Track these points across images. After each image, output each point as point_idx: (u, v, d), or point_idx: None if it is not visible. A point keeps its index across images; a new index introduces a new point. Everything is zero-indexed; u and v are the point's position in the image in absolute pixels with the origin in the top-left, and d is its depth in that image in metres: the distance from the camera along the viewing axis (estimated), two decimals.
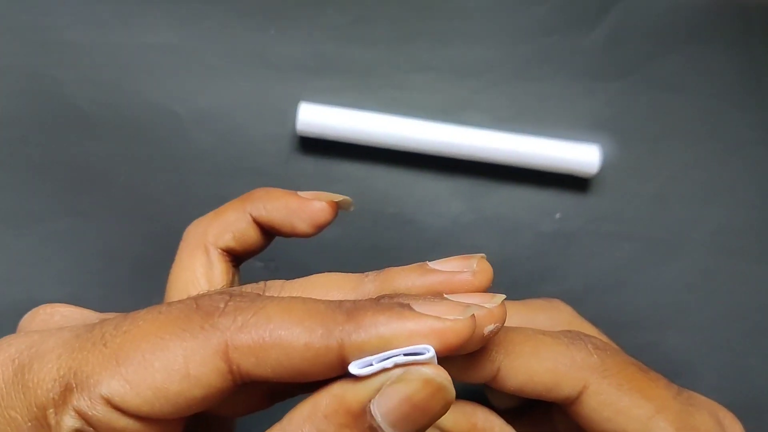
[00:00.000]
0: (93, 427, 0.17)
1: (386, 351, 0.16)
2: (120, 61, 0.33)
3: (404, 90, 0.34)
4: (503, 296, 0.19)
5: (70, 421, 0.16)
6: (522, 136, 0.32)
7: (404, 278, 0.20)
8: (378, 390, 0.16)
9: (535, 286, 0.33)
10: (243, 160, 0.33)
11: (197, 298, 0.17)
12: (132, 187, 0.32)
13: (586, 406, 0.21)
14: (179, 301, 0.18)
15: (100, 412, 0.16)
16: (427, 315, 0.17)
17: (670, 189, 0.33)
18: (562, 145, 0.32)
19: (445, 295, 0.18)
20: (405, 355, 0.16)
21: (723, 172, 0.34)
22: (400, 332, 0.16)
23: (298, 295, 0.19)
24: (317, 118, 0.32)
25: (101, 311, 0.23)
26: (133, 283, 0.32)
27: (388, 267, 0.21)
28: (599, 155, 0.32)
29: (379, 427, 0.16)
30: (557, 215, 0.33)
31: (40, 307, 0.21)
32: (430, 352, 0.16)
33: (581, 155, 0.32)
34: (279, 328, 0.16)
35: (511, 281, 0.33)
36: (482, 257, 0.20)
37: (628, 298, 0.33)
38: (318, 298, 0.18)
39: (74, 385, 0.16)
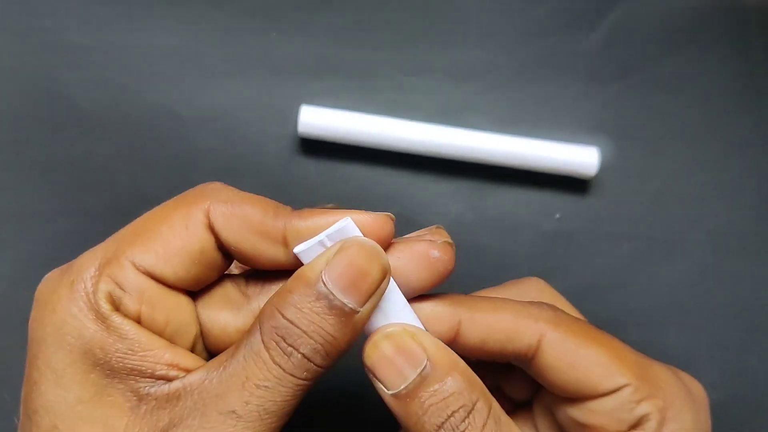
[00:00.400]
0: (123, 289, 0.21)
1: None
2: (122, 62, 0.33)
3: (404, 92, 0.34)
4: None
5: (104, 285, 0.21)
6: (522, 138, 0.32)
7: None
8: (327, 262, 0.20)
9: None
10: (244, 161, 0.33)
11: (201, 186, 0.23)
12: (134, 187, 0.32)
13: (545, 358, 0.22)
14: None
15: (128, 274, 0.21)
16: (352, 211, 0.22)
17: (669, 189, 0.34)
18: (561, 146, 0.32)
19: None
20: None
21: (721, 172, 0.34)
22: (330, 221, 0.21)
23: None
24: (318, 120, 0.32)
25: None
26: None
27: None
28: (598, 156, 0.32)
29: (331, 292, 0.20)
30: (557, 216, 0.33)
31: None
32: (351, 224, 0.21)
33: (581, 156, 0.32)
34: (245, 205, 0.22)
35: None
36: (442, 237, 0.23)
37: (627, 298, 0.33)
38: None
39: (107, 261, 0.21)
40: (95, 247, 0.22)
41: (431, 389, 0.21)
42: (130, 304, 0.21)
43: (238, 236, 0.22)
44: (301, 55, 0.34)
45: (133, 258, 0.21)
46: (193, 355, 0.22)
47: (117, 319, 0.21)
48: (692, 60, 0.34)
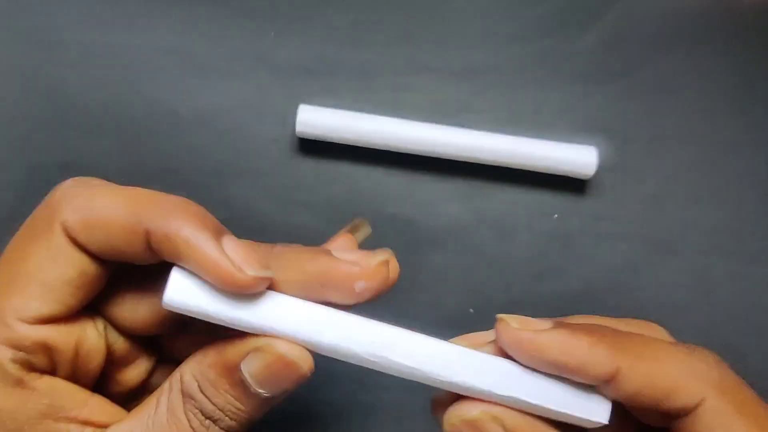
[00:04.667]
0: (24, 350, 0.20)
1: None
2: (121, 62, 0.33)
3: (402, 92, 0.34)
4: (384, 256, 0.22)
5: (3, 354, 0.20)
6: (520, 138, 0.32)
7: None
8: (247, 352, 0.20)
9: (533, 287, 0.33)
10: (243, 161, 0.33)
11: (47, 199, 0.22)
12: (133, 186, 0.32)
13: (699, 422, 0.20)
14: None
15: (21, 332, 0.20)
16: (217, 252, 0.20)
17: (667, 190, 0.34)
18: (559, 146, 0.32)
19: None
20: None
21: (719, 172, 0.34)
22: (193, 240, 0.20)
23: None
24: (316, 119, 0.32)
25: None
26: None
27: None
28: (596, 157, 0.32)
29: (248, 381, 0.21)
30: (555, 216, 0.33)
31: None
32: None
33: (579, 156, 0.32)
34: (99, 208, 0.20)
35: (509, 281, 0.33)
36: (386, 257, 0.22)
37: (625, 298, 0.33)
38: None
39: None
40: None
41: None
42: (39, 360, 0.21)
43: (107, 244, 0.21)
44: (299, 55, 0.34)
45: (17, 313, 0.20)
46: (112, 406, 0.22)
47: (31, 381, 0.20)
48: (690, 60, 0.34)
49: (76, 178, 0.22)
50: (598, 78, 0.34)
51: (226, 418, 0.21)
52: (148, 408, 0.21)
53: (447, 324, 0.32)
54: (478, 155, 0.32)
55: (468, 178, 0.33)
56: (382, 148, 0.32)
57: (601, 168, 0.33)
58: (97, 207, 0.21)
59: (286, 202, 0.33)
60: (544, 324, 0.20)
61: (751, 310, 0.33)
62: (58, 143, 0.32)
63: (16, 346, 0.20)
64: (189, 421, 0.21)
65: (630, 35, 0.34)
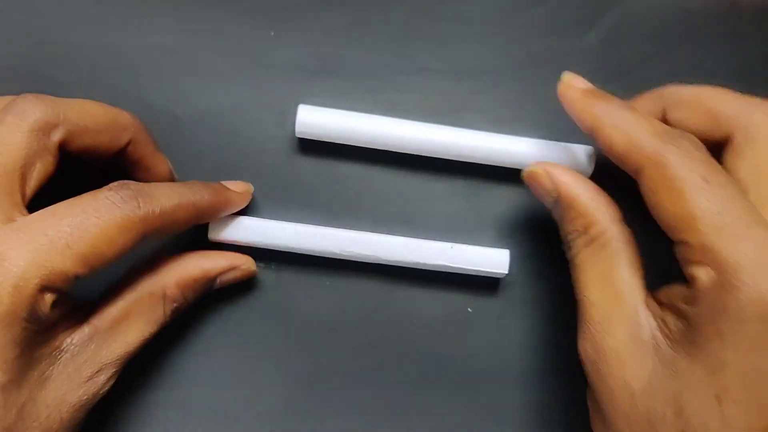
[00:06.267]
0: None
1: None
2: (119, 62, 0.33)
3: (402, 92, 0.34)
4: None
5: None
6: (520, 138, 0.32)
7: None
8: (227, 270, 0.30)
9: (533, 284, 0.33)
10: (242, 161, 0.33)
11: None
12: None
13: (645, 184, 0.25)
14: None
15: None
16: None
17: None
18: (559, 146, 0.32)
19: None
20: None
21: None
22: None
23: None
24: (316, 119, 0.32)
25: None
26: None
27: None
28: (595, 156, 0.32)
29: (216, 284, 0.30)
30: None
31: None
32: None
33: (579, 155, 0.32)
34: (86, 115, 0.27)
35: (510, 279, 0.33)
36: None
37: None
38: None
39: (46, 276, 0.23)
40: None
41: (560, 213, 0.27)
42: None
43: (92, 146, 0.27)
44: (299, 55, 0.34)
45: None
46: None
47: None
48: (689, 60, 0.34)
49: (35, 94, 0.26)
50: (598, 78, 0.34)
51: (183, 306, 0.29)
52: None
53: (447, 321, 0.32)
54: (478, 155, 0.32)
55: (468, 176, 0.33)
56: (381, 148, 0.32)
57: (602, 168, 0.33)
58: (95, 113, 0.28)
59: (285, 202, 0.33)
60: (583, 84, 0.28)
61: None
62: None
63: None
64: (164, 314, 0.28)
65: (630, 35, 0.34)
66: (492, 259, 0.31)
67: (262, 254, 0.32)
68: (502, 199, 0.33)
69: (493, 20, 0.34)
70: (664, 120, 0.27)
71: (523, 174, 0.29)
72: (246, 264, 0.31)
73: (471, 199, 0.33)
